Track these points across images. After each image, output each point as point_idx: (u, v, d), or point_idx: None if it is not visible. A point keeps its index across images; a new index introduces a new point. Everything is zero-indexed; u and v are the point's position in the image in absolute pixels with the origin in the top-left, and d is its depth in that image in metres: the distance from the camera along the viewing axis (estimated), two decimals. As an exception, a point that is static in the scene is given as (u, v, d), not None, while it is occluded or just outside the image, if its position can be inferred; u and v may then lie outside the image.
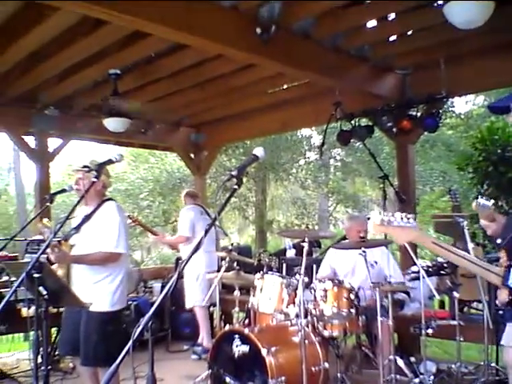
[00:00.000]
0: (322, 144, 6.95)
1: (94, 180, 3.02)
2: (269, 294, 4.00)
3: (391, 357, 3.71)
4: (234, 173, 1.80)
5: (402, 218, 1.84)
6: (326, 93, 5.41)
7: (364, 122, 5.55)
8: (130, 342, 1.47)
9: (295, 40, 4.33)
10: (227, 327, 3.83)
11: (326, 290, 3.74)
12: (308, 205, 16.32)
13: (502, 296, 1.88)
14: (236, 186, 1.80)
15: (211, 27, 3.76)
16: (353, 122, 5.50)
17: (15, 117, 5.96)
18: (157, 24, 3.53)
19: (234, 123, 7.15)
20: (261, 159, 1.90)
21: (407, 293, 4.16)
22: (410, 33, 4.68)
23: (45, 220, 3.25)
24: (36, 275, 2.47)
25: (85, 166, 3.36)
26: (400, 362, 3.76)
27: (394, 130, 5.18)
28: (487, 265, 1.87)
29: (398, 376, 3.67)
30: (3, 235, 13.67)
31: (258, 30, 3.87)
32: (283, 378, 3.26)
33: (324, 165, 15.15)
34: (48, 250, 3.03)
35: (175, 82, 5.64)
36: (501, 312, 2.57)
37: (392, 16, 4.35)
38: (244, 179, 2.18)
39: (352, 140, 5.91)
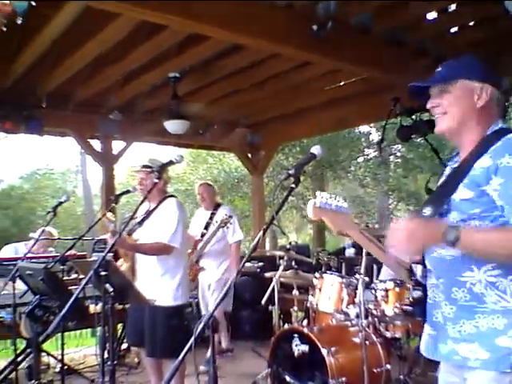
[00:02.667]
0: (381, 140, 6.78)
1: (156, 181, 3.11)
2: (328, 293, 3.95)
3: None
4: (291, 171, 1.79)
5: (335, 199, 1.63)
6: (385, 88, 5.29)
7: (426, 116, 5.37)
8: (192, 339, 1.50)
9: (352, 35, 4.26)
10: (286, 326, 3.83)
11: (387, 290, 3.65)
12: (367, 203, 16.03)
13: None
14: (293, 185, 1.79)
15: (267, 27, 3.78)
16: (414, 116, 5.33)
17: (81, 122, 6.24)
18: (214, 26, 3.58)
19: (290, 122, 7.13)
20: (318, 157, 1.88)
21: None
22: (471, 24, 4.49)
23: (109, 214, 3.38)
24: (103, 273, 2.57)
25: (146, 166, 3.47)
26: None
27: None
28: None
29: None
30: (72, 235, 14.34)
31: (314, 27, 3.84)
32: (344, 378, 3.22)
33: (383, 162, 14.81)
34: (108, 235, 3.17)
35: (232, 83, 5.70)
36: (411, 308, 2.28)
37: (452, 7, 4.20)
38: (301, 178, 2.17)
39: (413, 136, 5.74)
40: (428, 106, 1.72)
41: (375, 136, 14.37)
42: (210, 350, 1.63)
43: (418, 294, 1.76)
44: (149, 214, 3.57)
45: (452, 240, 1.42)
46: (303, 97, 6.24)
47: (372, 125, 13.42)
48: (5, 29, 3.22)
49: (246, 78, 5.50)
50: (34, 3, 2.81)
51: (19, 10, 2.80)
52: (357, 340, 3.41)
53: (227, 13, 3.54)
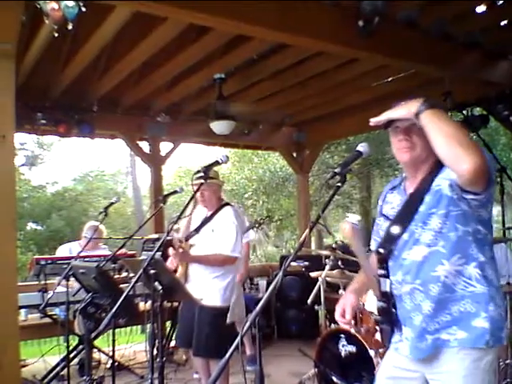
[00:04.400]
0: (431, 137, 6.59)
1: (202, 181, 3.15)
2: (375, 293, 3.89)
3: (508, 361, 3.44)
4: (337, 170, 1.77)
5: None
6: (435, 83, 5.14)
7: (478, 111, 5.20)
8: (239, 337, 1.51)
9: (400, 30, 4.16)
10: (333, 326, 3.79)
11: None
12: (416, 201, 15.61)
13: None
14: (339, 184, 1.77)
15: (312, 25, 3.75)
16: (465, 111, 5.16)
17: (130, 124, 6.40)
18: (259, 26, 3.58)
19: (336, 120, 7.05)
20: (365, 155, 1.85)
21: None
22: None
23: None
24: (152, 271, 2.63)
25: (200, 177, 3.46)
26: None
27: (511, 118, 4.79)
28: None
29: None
30: (122, 234, 14.72)
31: (361, 23, 3.77)
32: (392, 380, 3.16)
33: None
34: (171, 250, 3.28)
35: (277, 82, 5.69)
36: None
37: (501, 1, 4.03)
38: (347, 176, 2.13)
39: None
40: (399, 138, 1.89)
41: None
42: (256, 349, 1.63)
43: (380, 304, 1.94)
44: (206, 221, 3.64)
45: (426, 107, 1.70)
46: (349, 94, 6.16)
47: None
48: (56, 35, 3.35)
49: (290, 76, 5.49)
50: (84, 9, 2.90)
51: (69, 16, 2.89)
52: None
53: (273, 13, 3.54)
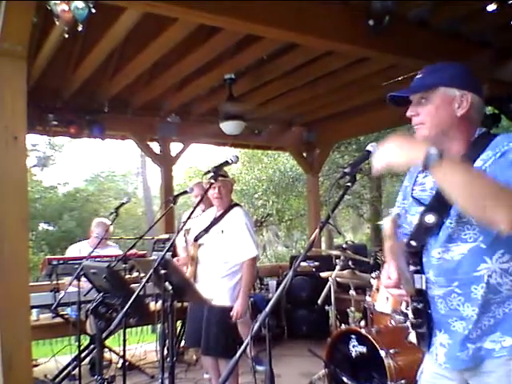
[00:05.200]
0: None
1: (212, 181, 3.15)
2: (386, 293, 3.87)
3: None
4: (347, 170, 1.75)
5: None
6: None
7: (489, 110, 5.15)
8: (249, 337, 1.51)
9: (410, 29, 4.15)
10: (343, 327, 3.78)
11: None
12: (427, 201, 15.52)
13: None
14: (349, 184, 1.76)
15: (322, 24, 3.74)
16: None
17: (141, 125, 6.43)
18: (269, 26, 3.59)
19: (346, 119, 7.03)
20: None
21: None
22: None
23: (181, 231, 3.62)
24: (162, 271, 2.64)
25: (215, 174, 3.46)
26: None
27: (524, 117, 4.75)
28: None
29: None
30: (133, 234, 14.79)
31: (371, 22, 3.76)
32: (403, 381, 3.15)
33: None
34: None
35: (287, 82, 5.69)
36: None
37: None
38: (358, 176, 2.12)
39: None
40: (407, 114, 1.66)
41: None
42: (267, 349, 1.63)
43: (415, 305, 1.65)
44: (215, 221, 3.65)
45: (434, 159, 1.32)
46: (360, 93, 6.14)
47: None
48: (67, 36, 3.37)
49: (300, 76, 5.48)
50: (94, 11, 2.92)
51: (80, 18, 2.91)
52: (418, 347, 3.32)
53: (283, 12, 3.54)
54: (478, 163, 1.51)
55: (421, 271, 1.64)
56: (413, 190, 1.77)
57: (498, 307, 1.54)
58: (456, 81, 1.61)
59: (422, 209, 1.65)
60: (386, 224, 1.54)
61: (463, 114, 1.57)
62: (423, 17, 4.09)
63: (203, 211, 4.14)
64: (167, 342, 2.87)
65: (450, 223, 1.56)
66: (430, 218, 1.58)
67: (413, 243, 1.61)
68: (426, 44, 4.26)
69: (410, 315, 1.69)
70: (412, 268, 1.64)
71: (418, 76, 1.69)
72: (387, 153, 1.43)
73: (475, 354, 1.57)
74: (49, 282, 4.48)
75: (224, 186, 3.56)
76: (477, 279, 1.53)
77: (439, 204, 1.56)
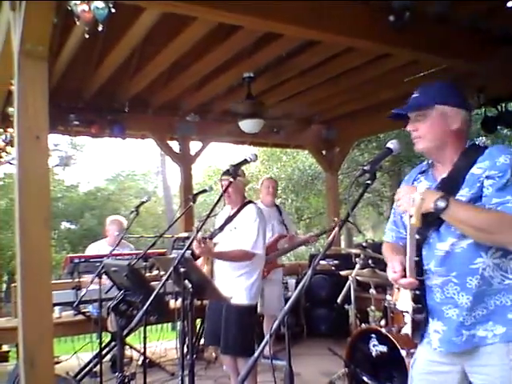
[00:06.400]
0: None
1: (231, 180, 3.16)
2: (407, 292, 3.83)
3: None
4: (366, 167, 1.75)
5: None
6: (467, 77, 5.03)
7: (511, 106, 5.06)
8: (268, 336, 1.51)
9: (431, 25, 4.08)
10: (363, 326, 3.75)
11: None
12: (449, 199, 15.29)
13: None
14: (369, 181, 1.75)
15: (342, 21, 3.71)
16: (499, 107, 5.04)
17: (161, 124, 6.47)
18: (289, 24, 3.57)
19: (366, 117, 6.97)
20: (395, 152, 1.83)
21: None
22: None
23: (195, 225, 3.58)
24: (182, 269, 2.65)
25: (228, 173, 3.47)
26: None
27: (549, 113, 4.65)
28: None
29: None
30: (153, 233, 14.89)
31: (391, 18, 3.72)
32: (425, 381, 3.11)
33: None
34: (195, 244, 3.28)
35: (306, 80, 5.66)
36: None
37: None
38: (377, 174, 2.09)
39: (498, 127, 5.42)
40: (407, 128, 1.90)
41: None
42: (286, 347, 1.63)
43: (415, 292, 1.86)
44: (229, 219, 3.67)
45: (442, 207, 1.63)
46: (380, 90, 6.07)
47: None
48: (87, 36, 3.41)
49: (319, 74, 5.45)
50: (113, 10, 2.94)
51: (100, 18, 2.93)
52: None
53: (303, 10, 3.52)
54: (477, 171, 1.73)
55: (420, 262, 1.82)
56: None
57: (490, 299, 1.73)
58: (449, 99, 1.83)
59: None
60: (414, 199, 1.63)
61: (456, 127, 1.81)
62: (443, 13, 4.03)
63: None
64: (187, 339, 2.88)
65: None
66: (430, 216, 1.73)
67: (416, 236, 1.76)
68: (446, 40, 4.20)
69: (411, 302, 1.87)
70: (416, 259, 1.80)
71: (414, 95, 1.90)
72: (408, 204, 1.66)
73: (469, 339, 1.75)
74: (71, 280, 4.54)
75: (231, 186, 3.51)
76: (472, 271, 1.73)
77: None
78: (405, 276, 1.76)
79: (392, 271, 1.82)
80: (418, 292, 1.84)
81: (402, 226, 2.01)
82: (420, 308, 1.86)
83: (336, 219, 5.89)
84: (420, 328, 1.89)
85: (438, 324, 1.82)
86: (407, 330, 1.94)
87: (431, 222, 1.76)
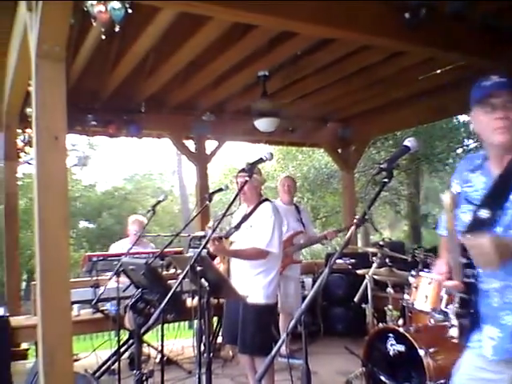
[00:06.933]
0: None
1: (247, 179, 3.16)
2: (425, 292, 3.79)
3: None
4: (383, 166, 1.73)
5: None
6: (485, 74, 4.95)
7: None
8: (284, 335, 1.50)
9: (446, 22, 4.04)
10: (381, 325, 3.73)
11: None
12: (467, 197, 15.09)
13: None
14: (386, 180, 1.74)
15: (358, 18, 3.69)
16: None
17: (177, 124, 6.51)
18: (305, 22, 3.56)
19: (382, 115, 6.92)
20: (412, 150, 1.80)
21: None
22: None
23: (209, 224, 3.60)
24: (198, 268, 2.66)
25: (244, 171, 3.47)
26: None
27: None
28: None
29: None
30: (170, 232, 14.98)
31: (407, 15, 3.69)
32: (442, 380, 3.08)
33: (485, 153, 13.86)
34: (209, 243, 3.29)
35: (321, 78, 5.64)
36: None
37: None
38: (395, 172, 2.08)
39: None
40: (496, 116, 1.70)
41: (475, 126, 13.52)
42: (303, 346, 1.62)
43: (461, 295, 1.73)
44: (245, 218, 3.67)
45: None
46: (396, 88, 6.02)
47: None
48: (104, 37, 3.43)
49: (335, 72, 5.42)
50: (130, 11, 2.96)
51: (116, 18, 2.95)
52: (457, 341, 3.25)
53: (318, 8, 3.50)
54: None
55: (470, 265, 1.67)
56: (465, 192, 1.82)
57: None
58: None
59: (473, 207, 1.73)
60: (445, 198, 1.61)
61: None
62: (459, 10, 3.98)
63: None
64: (204, 337, 2.89)
65: (506, 218, 1.63)
66: (484, 213, 1.66)
67: (468, 236, 1.63)
68: (462, 37, 4.15)
69: (456, 305, 1.75)
70: (463, 260, 1.68)
71: (498, 79, 1.76)
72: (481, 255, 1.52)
73: None
74: (89, 278, 4.59)
75: (247, 184, 3.51)
76: None
77: (492, 200, 1.67)
78: (451, 278, 1.69)
79: (437, 273, 1.76)
80: (464, 295, 1.73)
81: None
82: (465, 313, 1.75)
83: (356, 218, 5.79)
84: (467, 332, 1.78)
85: (492, 330, 1.71)
86: (454, 332, 1.84)
87: (484, 221, 1.66)
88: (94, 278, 4.52)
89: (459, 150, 14.42)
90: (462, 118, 13.39)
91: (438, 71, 5.59)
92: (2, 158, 5.80)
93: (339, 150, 7.84)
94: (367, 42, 4.33)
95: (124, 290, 3.69)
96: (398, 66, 5.23)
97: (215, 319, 5.25)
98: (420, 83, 5.85)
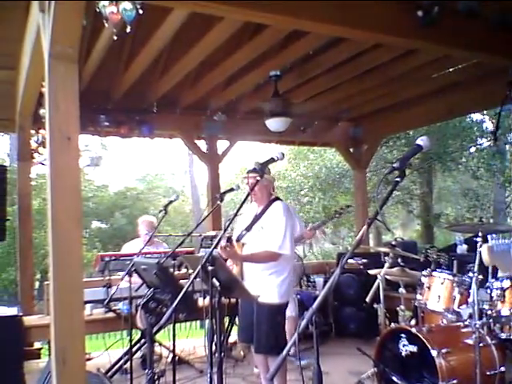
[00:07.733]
0: (496, 128, 6.34)
1: (258, 179, 3.16)
2: (438, 292, 3.77)
3: None
4: (395, 165, 1.72)
5: None
6: (498, 73, 4.90)
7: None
8: (296, 334, 1.50)
9: (459, 20, 3.99)
10: (393, 325, 3.71)
11: (503, 289, 3.40)
12: (481, 196, 14.94)
13: None
14: (398, 179, 1.73)
15: (370, 17, 3.66)
16: (531, 102, 4.88)
17: (189, 124, 6.53)
18: (316, 22, 3.54)
19: (395, 113, 6.88)
20: (425, 149, 1.79)
21: None
22: None
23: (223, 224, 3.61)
24: (209, 268, 2.67)
25: (254, 170, 3.42)
26: None
27: None
28: None
29: None
30: (181, 231, 15.03)
31: (420, 13, 3.66)
32: (455, 381, 3.05)
33: (499, 151, 13.69)
34: (219, 250, 3.29)
35: (333, 77, 5.63)
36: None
37: None
38: (407, 171, 2.07)
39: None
40: None
41: (489, 124, 13.41)
42: (314, 346, 1.62)
43: None
44: (257, 218, 3.65)
45: None
46: (409, 86, 5.99)
47: (485, 112, 12.52)
48: (116, 38, 3.45)
49: (346, 71, 5.40)
50: (141, 12, 2.97)
51: (128, 19, 2.97)
52: (469, 341, 3.23)
53: (330, 7, 3.48)
54: None
55: None
56: None
57: None
58: None
59: None
60: None
61: None
62: (472, 8, 3.94)
63: None
64: (215, 337, 2.90)
65: None
66: None
67: None
68: (475, 35, 4.11)
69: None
70: None
71: None
72: None
73: None
74: (102, 278, 4.62)
75: (259, 183, 3.44)
76: None
77: None
78: None
79: None
80: None
81: None
82: None
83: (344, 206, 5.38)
84: None
85: None
86: None
87: None
88: (107, 278, 4.56)
89: (472, 149, 14.29)
90: (475, 116, 13.30)
91: (451, 69, 5.55)
92: (15, 159, 5.86)
93: (351, 150, 7.81)
94: (380, 41, 4.31)
95: (136, 290, 3.71)
96: (410, 64, 5.20)
97: (226, 319, 5.26)
98: (432, 82, 5.81)
